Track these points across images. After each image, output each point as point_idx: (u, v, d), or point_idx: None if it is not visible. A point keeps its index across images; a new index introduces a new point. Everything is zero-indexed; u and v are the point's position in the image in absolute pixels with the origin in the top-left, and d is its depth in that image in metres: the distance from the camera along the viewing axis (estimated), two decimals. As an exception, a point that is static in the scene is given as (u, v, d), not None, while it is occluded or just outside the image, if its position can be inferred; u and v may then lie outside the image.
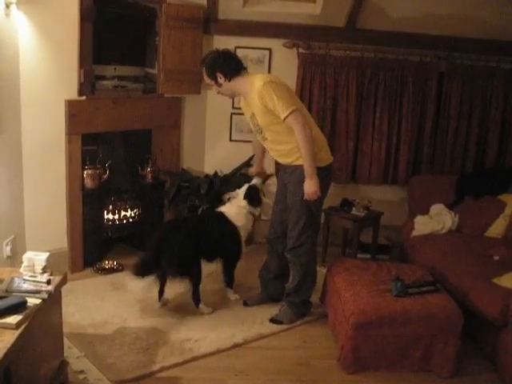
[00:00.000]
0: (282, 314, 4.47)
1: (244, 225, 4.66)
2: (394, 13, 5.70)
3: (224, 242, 4.59)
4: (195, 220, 4.86)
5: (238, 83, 4.14)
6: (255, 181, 4.77)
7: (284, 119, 3.96)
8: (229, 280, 4.75)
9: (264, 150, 4.58)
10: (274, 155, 4.38)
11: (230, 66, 4.13)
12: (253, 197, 4.70)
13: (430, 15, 5.71)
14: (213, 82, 4.18)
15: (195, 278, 4.41)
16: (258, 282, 4.77)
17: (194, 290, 4.44)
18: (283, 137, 4.12)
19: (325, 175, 4.17)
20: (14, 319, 2.70)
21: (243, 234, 4.66)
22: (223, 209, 4.70)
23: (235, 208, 4.66)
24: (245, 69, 4.19)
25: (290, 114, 3.94)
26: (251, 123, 4.30)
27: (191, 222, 4.74)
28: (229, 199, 4.78)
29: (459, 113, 6.05)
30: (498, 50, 5.94)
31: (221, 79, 4.13)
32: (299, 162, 4.11)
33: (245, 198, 4.67)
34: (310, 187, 4.05)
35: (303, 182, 4.08)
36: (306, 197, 4.10)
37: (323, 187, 4.17)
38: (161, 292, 4.54)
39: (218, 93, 4.27)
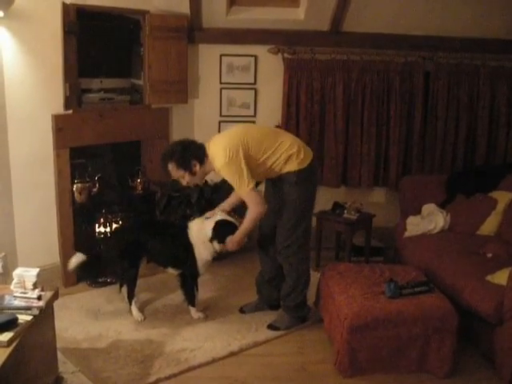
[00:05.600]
0: (279, 319, 4.46)
1: (201, 249, 4.41)
2: (378, 15, 5.71)
3: (176, 254, 4.50)
4: (155, 223, 5.08)
5: (208, 163, 4.11)
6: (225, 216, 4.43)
7: (240, 194, 4.07)
8: (187, 298, 4.58)
9: None
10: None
11: (200, 150, 4.10)
12: (220, 233, 4.32)
13: (413, 16, 5.72)
14: (186, 174, 4.11)
15: (125, 280, 4.59)
16: (254, 291, 4.76)
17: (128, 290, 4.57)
18: (261, 168, 4.12)
19: (311, 173, 4.20)
20: (5, 337, 2.70)
21: (199, 259, 4.42)
22: (192, 224, 4.49)
23: (201, 230, 4.40)
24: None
25: (247, 192, 4.00)
26: None
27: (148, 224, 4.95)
28: (207, 218, 4.45)
29: (447, 111, 6.05)
30: (482, 48, 5.96)
31: (195, 167, 4.08)
32: (287, 170, 4.11)
33: (213, 230, 4.34)
34: (232, 244, 4.25)
35: (296, 184, 4.10)
36: (227, 244, 4.28)
37: (311, 186, 4.25)
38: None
39: (188, 183, 4.25)
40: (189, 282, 4.55)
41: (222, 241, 4.31)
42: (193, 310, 4.57)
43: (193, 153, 4.07)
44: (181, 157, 4.06)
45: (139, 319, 4.49)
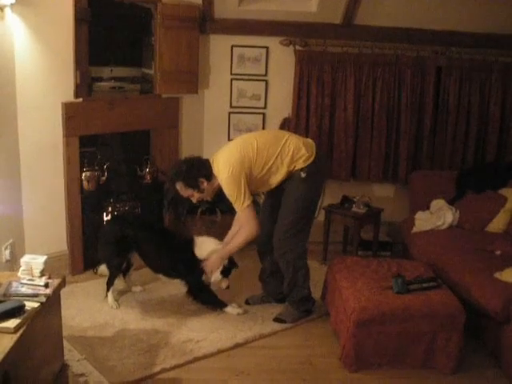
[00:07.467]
0: (285, 312, 4.46)
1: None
2: (391, 8, 5.66)
3: (174, 266, 4.48)
4: (156, 229, 4.85)
5: (215, 178, 4.13)
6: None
7: (236, 210, 4.11)
8: (211, 306, 4.52)
9: None
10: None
11: (205, 166, 4.12)
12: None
13: (427, 10, 5.68)
14: (195, 191, 4.15)
15: (111, 267, 4.59)
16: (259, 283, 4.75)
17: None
18: (265, 178, 4.14)
19: (318, 168, 4.17)
20: (12, 323, 2.70)
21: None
22: (200, 241, 4.49)
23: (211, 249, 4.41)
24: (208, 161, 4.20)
25: (243, 209, 4.05)
26: None
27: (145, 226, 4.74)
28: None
29: (458, 107, 6.01)
30: (496, 44, 5.91)
31: (203, 184, 4.12)
32: (294, 168, 4.11)
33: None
34: (212, 264, 4.31)
35: (303, 181, 4.09)
36: (204, 265, 4.34)
37: (317, 182, 4.24)
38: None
39: (198, 201, 4.31)
40: (200, 294, 4.51)
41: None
42: (229, 308, 4.51)
43: (198, 171, 4.11)
44: (187, 176, 4.11)
45: (114, 307, 4.51)
